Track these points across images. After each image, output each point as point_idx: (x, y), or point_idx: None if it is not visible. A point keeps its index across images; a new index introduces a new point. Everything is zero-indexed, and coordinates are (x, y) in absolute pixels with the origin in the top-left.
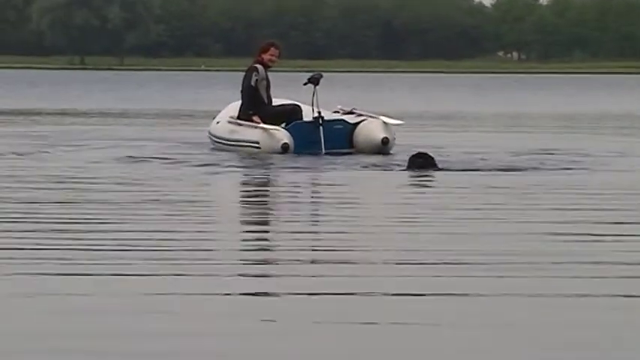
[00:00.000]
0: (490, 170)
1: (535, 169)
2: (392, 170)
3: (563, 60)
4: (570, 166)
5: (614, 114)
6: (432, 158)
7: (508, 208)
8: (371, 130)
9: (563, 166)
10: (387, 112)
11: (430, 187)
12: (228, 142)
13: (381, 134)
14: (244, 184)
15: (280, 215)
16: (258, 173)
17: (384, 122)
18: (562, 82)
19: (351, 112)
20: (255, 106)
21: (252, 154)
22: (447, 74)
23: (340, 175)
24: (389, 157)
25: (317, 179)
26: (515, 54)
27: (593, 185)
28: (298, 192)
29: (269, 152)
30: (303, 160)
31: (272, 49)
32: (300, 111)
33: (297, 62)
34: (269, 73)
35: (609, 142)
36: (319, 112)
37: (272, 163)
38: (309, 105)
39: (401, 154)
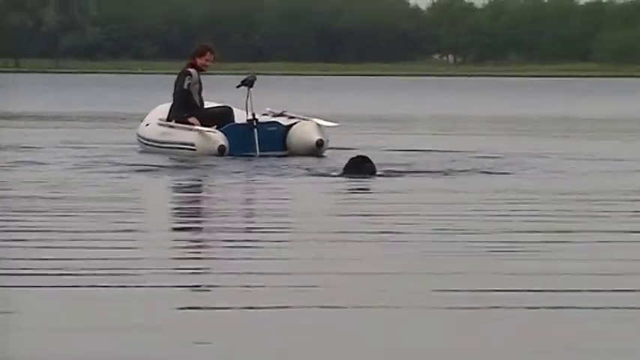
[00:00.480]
0: (429, 173)
1: (469, 171)
2: (329, 175)
3: (498, 63)
4: (503, 169)
5: (550, 117)
6: (371, 162)
7: (447, 212)
8: (305, 132)
9: (499, 169)
10: (323, 114)
11: (368, 191)
12: (161, 145)
13: (315, 136)
14: (178, 188)
15: (213, 223)
16: (193, 177)
17: (318, 124)
18: (498, 84)
19: (281, 115)
20: (188, 109)
21: (187, 157)
22: (384, 77)
23: (278, 181)
24: (326, 160)
25: (255, 184)
26: (451, 57)
27: (529, 189)
28: (234, 198)
29: (205, 154)
30: (241, 164)
31: (207, 53)
32: (232, 113)
33: (235, 65)
34: (202, 76)
35: (546, 144)
36: (253, 115)
37: (210, 166)
38: (242, 107)
39: (339, 157)
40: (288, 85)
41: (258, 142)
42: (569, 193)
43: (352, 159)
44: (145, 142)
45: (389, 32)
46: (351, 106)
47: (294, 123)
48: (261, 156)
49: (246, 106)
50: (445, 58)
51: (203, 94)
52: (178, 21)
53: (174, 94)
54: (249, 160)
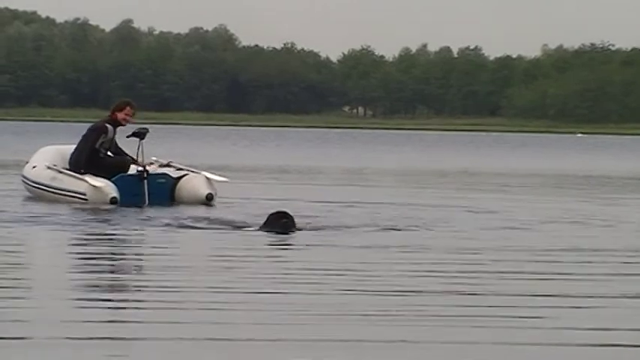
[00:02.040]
0: (348, 227)
1: (379, 226)
2: (247, 229)
3: (407, 116)
4: (403, 224)
5: (457, 170)
6: (292, 218)
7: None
8: (195, 185)
9: (405, 223)
10: (227, 165)
11: (291, 247)
12: (50, 190)
13: (205, 190)
14: (75, 240)
15: (116, 278)
16: (102, 229)
17: (207, 178)
18: (406, 138)
19: (168, 165)
20: (92, 166)
21: (80, 206)
22: (293, 128)
23: (195, 236)
24: (241, 214)
25: (176, 234)
26: (361, 109)
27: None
28: (140, 252)
29: (97, 204)
30: (157, 212)
31: (127, 108)
32: (129, 165)
33: (144, 114)
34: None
35: (456, 198)
36: (144, 166)
37: (125, 216)
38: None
39: (252, 213)
40: (196, 136)
41: (148, 194)
42: (475, 250)
43: (272, 214)
44: (33, 184)
45: (299, 83)
46: (257, 157)
47: (184, 175)
48: (150, 206)
49: (137, 157)
50: (355, 110)
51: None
52: (87, 69)
53: (80, 144)
54: (165, 210)
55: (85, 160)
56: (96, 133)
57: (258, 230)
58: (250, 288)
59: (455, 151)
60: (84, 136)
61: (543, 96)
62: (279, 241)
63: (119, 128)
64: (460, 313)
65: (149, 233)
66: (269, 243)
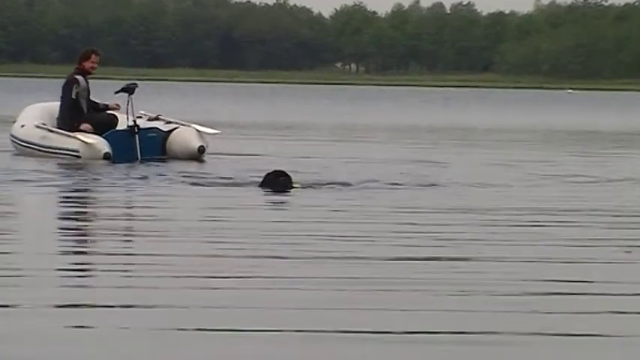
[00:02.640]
0: (339, 185)
1: (367, 183)
2: (246, 186)
3: (400, 72)
4: (399, 181)
5: (452, 126)
6: (289, 177)
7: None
8: (186, 138)
9: (393, 180)
10: (219, 121)
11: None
12: (41, 148)
13: (197, 143)
14: (63, 197)
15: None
16: (89, 185)
17: (198, 131)
18: (399, 94)
19: (157, 119)
20: (77, 117)
21: (73, 163)
22: (285, 84)
23: (196, 193)
24: (240, 172)
25: (147, 197)
26: (353, 65)
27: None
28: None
29: (90, 161)
30: (148, 170)
31: (93, 56)
32: (117, 121)
33: (136, 71)
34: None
35: (450, 154)
36: (134, 121)
37: (110, 174)
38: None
39: (251, 170)
40: (190, 91)
41: (140, 148)
42: (473, 210)
43: (269, 174)
44: (22, 144)
45: (291, 40)
46: (249, 113)
47: (174, 128)
48: (142, 161)
49: (127, 113)
50: (347, 66)
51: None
52: (79, 25)
53: (61, 102)
54: (156, 166)
55: (69, 113)
56: (68, 87)
57: (257, 187)
58: (247, 248)
59: (447, 107)
60: (61, 97)
61: (536, 52)
62: (278, 200)
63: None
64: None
65: (142, 191)
66: (268, 201)
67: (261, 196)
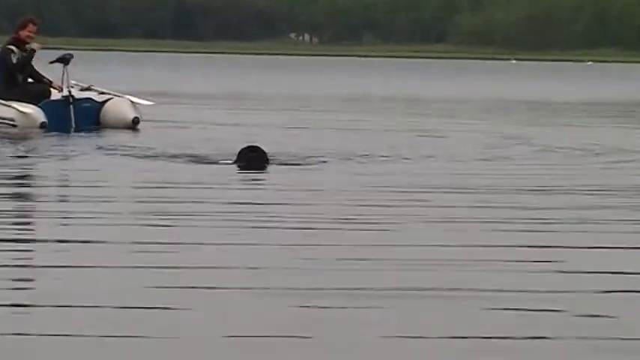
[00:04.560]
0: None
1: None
2: (219, 164)
3: (354, 43)
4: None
5: (403, 97)
6: (264, 153)
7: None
8: (121, 109)
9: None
10: (169, 91)
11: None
12: None
13: (131, 114)
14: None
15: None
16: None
17: (132, 102)
18: (353, 65)
19: (88, 89)
20: (14, 87)
21: (7, 133)
22: (240, 55)
23: (181, 169)
24: (215, 151)
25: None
26: (307, 36)
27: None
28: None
29: (26, 130)
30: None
31: (30, 25)
32: (50, 92)
33: (89, 40)
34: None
35: (403, 124)
36: (69, 91)
37: (56, 145)
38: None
39: (222, 147)
40: (142, 62)
41: (74, 118)
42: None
43: (243, 149)
44: None
45: (245, 10)
46: (202, 83)
47: (109, 99)
48: (77, 131)
49: (62, 83)
50: (301, 37)
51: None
52: None
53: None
54: (92, 137)
55: (7, 81)
56: (2, 58)
57: (232, 164)
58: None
59: (401, 78)
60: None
61: (489, 23)
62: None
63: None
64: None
65: (80, 164)
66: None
67: (198, 170)
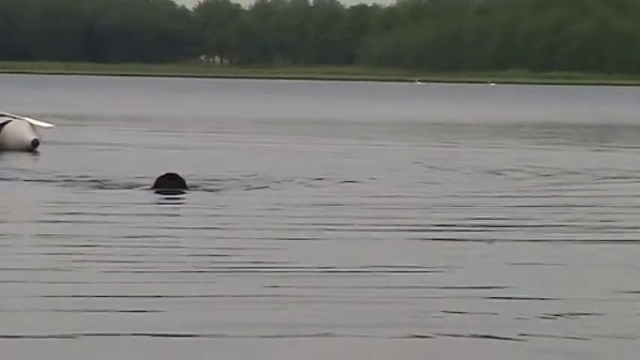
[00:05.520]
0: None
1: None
2: (138, 189)
3: (264, 65)
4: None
5: (314, 119)
6: (182, 180)
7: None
8: (20, 131)
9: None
10: (82, 114)
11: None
12: None
13: (30, 136)
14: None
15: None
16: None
17: (31, 124)
18: (263, 87)
19: None
20: None
21: None
22: (150, 77)
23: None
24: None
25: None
26: (217, 58)
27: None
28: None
29: None
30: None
31: None
32: None
33: (0, 63)
34: None
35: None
36: None
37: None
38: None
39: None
40: (54, 84)
41: None
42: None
43: (161, 177)
44: None
45: (155, 32)
46: (112, 104)
47: (7, 121)
48: None
49: None
50: (211, 59)
51: None
52: None
53: None
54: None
55: None
56: None
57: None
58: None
59: (311, 100)
60: None
61: (398, 44)
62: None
63: None
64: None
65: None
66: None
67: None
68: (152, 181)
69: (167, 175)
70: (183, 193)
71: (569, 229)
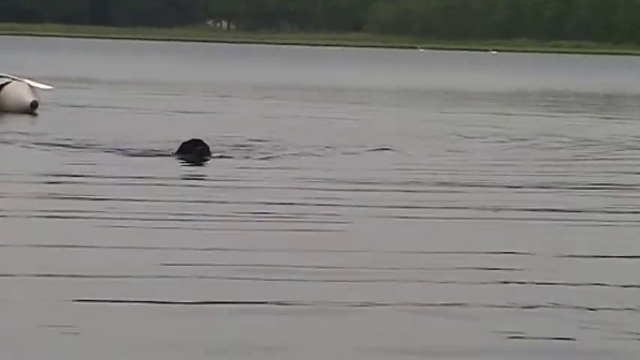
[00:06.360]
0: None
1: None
2: (163, 156)
3: (272, 31)
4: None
5: (321, 86)
6: (207, 146)
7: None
8: (20, 93)
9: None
10: (88, 77)
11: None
12: None
13: (30, 98)
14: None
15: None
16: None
17: (30, 86)
18: (270, 52)
19: None
20: None
21: None
22: (156, 41)
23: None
24: (158, 143)
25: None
26: (224, 23)
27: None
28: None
29: None
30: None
31: None
32: None
33: (3, 25)
34: None
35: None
36: None
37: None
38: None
39: (167, 142)
40: (57, 47)
41: None
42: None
43: (185, 142)
44: None
45: None
46: (119, 69)
47: (6, 83)
48: None
49: None
50: (218, 24)
51: None
52: None
53: None
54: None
55: None
56: None
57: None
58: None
59: (318, 66)
60: None
61: (406, 12)
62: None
63: None
64: None
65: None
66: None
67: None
68: (146, 145)
69: (192, 140)
70: (207, 160)
71: None
